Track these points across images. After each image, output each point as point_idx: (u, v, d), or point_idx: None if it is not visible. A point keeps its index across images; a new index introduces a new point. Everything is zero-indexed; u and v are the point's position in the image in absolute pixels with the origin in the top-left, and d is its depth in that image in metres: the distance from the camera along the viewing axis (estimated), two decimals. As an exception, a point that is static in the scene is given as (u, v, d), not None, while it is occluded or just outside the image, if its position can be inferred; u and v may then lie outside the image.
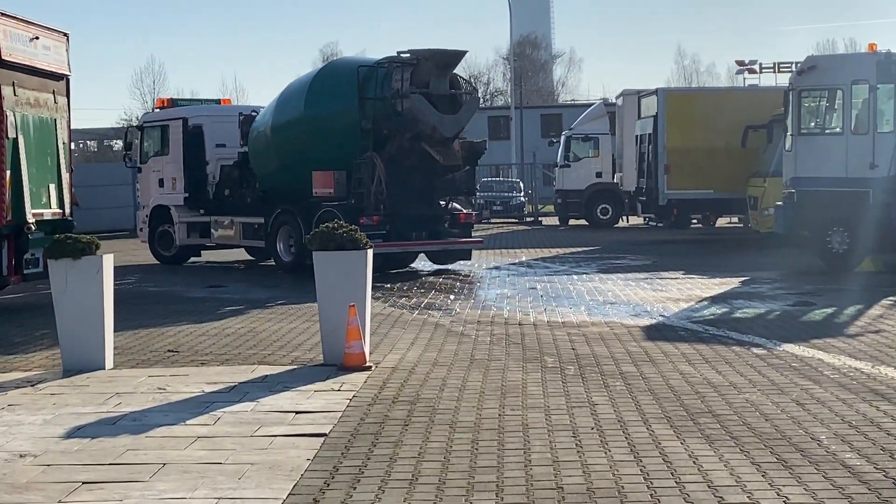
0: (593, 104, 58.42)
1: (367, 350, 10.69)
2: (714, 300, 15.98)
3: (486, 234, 35.36)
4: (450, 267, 22.43)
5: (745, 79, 43.75)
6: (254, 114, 24.46)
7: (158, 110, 26.81)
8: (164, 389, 9.60)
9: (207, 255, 26.24)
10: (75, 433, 8.06)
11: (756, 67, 44.53)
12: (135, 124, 31.86)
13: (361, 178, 20.45)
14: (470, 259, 22.97)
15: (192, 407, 8.86)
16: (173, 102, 26.98)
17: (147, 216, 25.62)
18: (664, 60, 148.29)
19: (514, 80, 68.47)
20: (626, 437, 7.67)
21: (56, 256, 10.56)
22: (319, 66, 22.85)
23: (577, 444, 7.49)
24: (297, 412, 8.63)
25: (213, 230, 24.31)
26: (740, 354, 11.02)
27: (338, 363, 10.52)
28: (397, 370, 10.40)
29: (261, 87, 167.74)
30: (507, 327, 13.42)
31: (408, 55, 20.87)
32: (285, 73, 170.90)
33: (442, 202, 21.83)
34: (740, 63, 46.02)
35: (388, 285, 18.95)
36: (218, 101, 28.27)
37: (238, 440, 7.77)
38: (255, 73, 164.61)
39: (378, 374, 10.20)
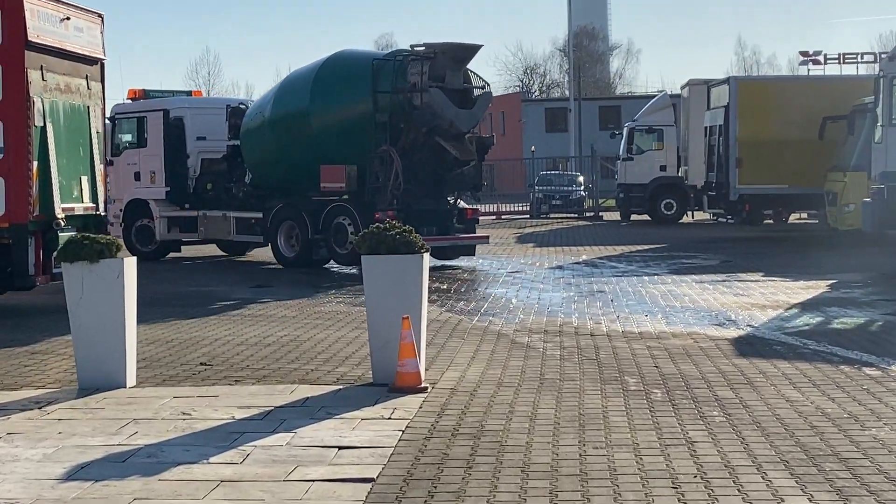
0: (653, 95, 56.95)
1: (422, 368, 9.35)
2: (804, 307, 14.47)
3: (546, 230, 33.98)
4: (456, 263, 21.72)
5: (808, 70, 42.03)
6: (242, 106, 24.05)
7: (130, 101, 25.72)
8: (189, 415, 8.32)
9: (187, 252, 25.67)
10: (77, 474, 6.79)
11: (821, 59, 42.78)
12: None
13: (376, 172, 20.15)
14: (474, 255, 22.39)
15: (219, 439, 7.57)
16: (146, 94, 25.88)
17: (121, 210, 24.50)
18: (724, 52, 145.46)
19: (571, 71, 66.68)
20: (738, 490, 6.27)
21: (71, 259, 9.33)
22: (322, 57, 22.22)
23: (679, 499, 6.11)
24: (339, 447, 7.31)
25: (200, 225, 23.59)
26: (852, 376, 9.55)
27: (389, 383, 9.19)
28: (457, 392, 9.05)
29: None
30: (578, 338, 12.03)
31: (422, 48, 20.61)
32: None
33: (450, 198, 21.52)
34: (804, 54, 44.23)
35: (444, 286, 17.64)
36: (189, 93, 27.20)
37: (267, 487, 6.45)
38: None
39: (435, 397, 8.86)
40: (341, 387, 9.37)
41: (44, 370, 10.46)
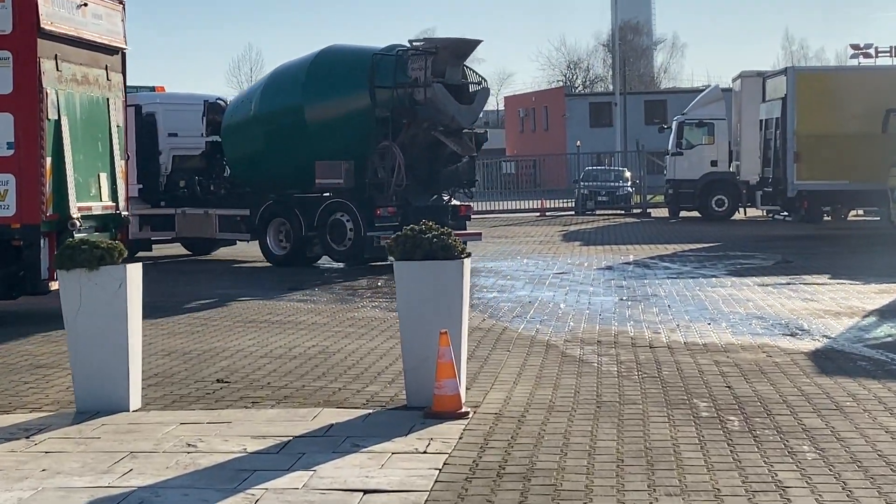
0: (699, 89, 55.38)
1: (462, 389, 8.23)
2: (883, 315, 13.20)
3: (592, 228, 32.76)
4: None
5: (859, 63, 40.47)
6: (221, 102, 23.63)
7: None
8: (195, 447, 7.23)
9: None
10: (52, 525, 5.73)
11: (872, 51, 41.21)
12: None
13: (377, 168, 19.97)
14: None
15: (225, 479, 6.49)
16: None
17: None
18: (770, 46, 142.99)
19: (616, 65, 65.25)
20: (850, 556, 5.10)
21: (67, 266, 8.28)
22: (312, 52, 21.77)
23: (779, 569, 4.95)
24: (365, 491, 6.20)
25: (178, 223, 22.88)
26: (956, 400, 8.33)
27: (425, 406, 8.08)
28: (502, 418, 7.92)
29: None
30: (636, 350, 10.86)
31: (421, 43, 20.57)
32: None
33: (445, 194, 21.37)
34: (855, 47, 42.70)
35: (486, 287, 16.51)
36: (153, 88, 26.23)
37: (276, 546, 5.36)
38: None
39: (477, 424, 7.73)
40: (371, 411, 8.27)
41: (44, 388, 9.43)
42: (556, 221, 36.14)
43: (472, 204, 22.69)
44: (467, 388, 8.73)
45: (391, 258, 8.49)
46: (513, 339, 11.80)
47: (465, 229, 21.60)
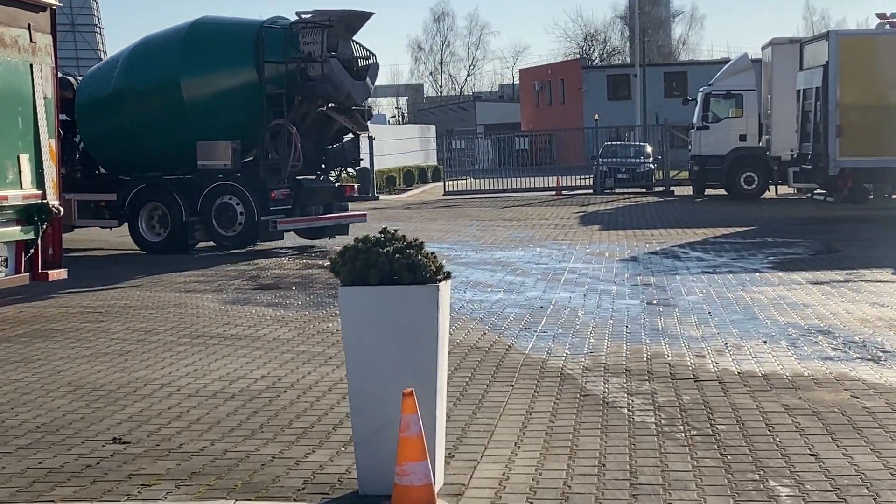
0: (721, 61, 52.60)
1: (438, 471, 5.73)
2: (981, 328, 10.64)
3: (612, 208, 30.18)
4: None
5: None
6: (69, 78, 21.72)
7: None
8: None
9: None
10: None
11: (898, 20, 38.63)
12: None
13: (269, 148, 19.01)
14: (347, 234, 20.38)
15: None
16: None
17: None
18: (791, 17, 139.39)
19: (637, 35, 62.39)
20: None
21: None
22: (187, 22, 20.16)
23: None
24: None
25: None
26: None
27: (383, 497, 5.58)
28: (495, 517, 5.42)
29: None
30: (678, 385, 8.33)
31: (310, 15, 19.45)
32: (396, 36, 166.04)
33: (332, 174, 20.91)
34: (881, 16, 40.11)
35: (490, 282, 13.97)
36: None
37: None
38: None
39: (457, 531, 5.24)
40: (308, 502, 5.76)
41: None
42: (572, 201, 33.54)
43: (355, 185, 22.29)
44: (447, 461, 6.24)
45: (337, 280, 5.95)
46: (518, 365, 9.28)
47: (347, 210, 21.02)
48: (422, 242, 5.81)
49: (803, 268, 15.72)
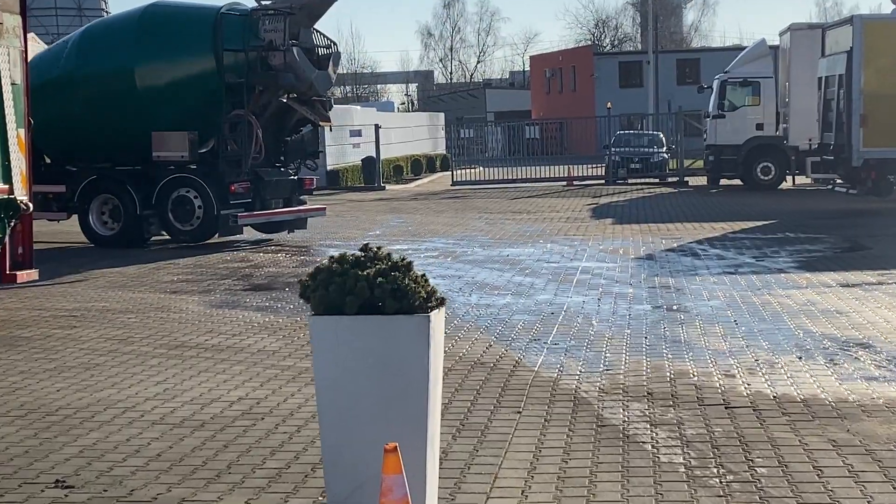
0: (734, 48, 51.43)
1: (428, 536, 4.76)
2: None
3: (625, 200, 29.17)
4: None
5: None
6: None
7: None
8: None
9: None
10: None
11: (914, 6, 37.57)
12: None
13: (229, 139, 18.39)
14: (305, 228, 20.24)
15: None
16: None
17: None
18: (804, 4, 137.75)
19: (650, 21, 61.22)
20: None
21: None
22: (137, 7, 19.54)
23: None
24: None
25: None
26: None
27: (362, 569, 4.62)
28: None
29: (377, 36, 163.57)
30: (706, 413, 7.34)
31: (270, 2, 18.84)
32: (406, 22, 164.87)
33: (292, 167, 20.17)
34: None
35: (497, 284, 12.97)
36: None
37: None
38: (365, 21, 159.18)
39: None
40: (269, 575, 4.81)
41: None
42: (584, 192, 32.52)
43: (314, 178, 21.56)
44: (450, 500, 5.27)
45: (308, 307, 4.96)
46: (526, 386, 8.29)
47: (306, 204, 20.46)
48: (410, 262, 4.83)
49: (831, 267, 14.70)
